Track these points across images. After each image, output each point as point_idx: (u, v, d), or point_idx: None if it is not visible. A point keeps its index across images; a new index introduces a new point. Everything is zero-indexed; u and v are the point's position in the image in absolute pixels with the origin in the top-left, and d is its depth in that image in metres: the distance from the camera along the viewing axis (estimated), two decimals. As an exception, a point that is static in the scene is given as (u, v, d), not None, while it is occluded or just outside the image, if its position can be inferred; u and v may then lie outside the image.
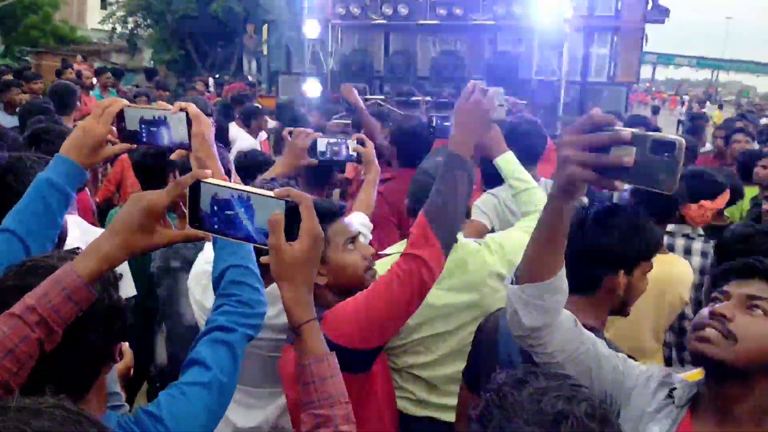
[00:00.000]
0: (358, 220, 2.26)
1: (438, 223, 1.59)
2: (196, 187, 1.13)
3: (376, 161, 2.90)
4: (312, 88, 7.62)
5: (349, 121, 5.81)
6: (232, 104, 6.76)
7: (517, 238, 2.10)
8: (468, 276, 2.03)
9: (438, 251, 1.58)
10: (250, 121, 6.07)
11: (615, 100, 7.26)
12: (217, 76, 20.45)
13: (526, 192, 2.29)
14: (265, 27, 9.99)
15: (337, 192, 4.04)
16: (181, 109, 1.48)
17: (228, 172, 2.77)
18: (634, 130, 1.00)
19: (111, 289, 1.17)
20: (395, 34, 8.35)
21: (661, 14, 7.79)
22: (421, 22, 7.95)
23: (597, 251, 1.53)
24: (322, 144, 2.60)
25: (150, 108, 1.54)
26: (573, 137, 1.05)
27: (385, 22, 8.02)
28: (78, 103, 5.29)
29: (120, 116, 1.52)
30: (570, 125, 1.07)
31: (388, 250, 2.18)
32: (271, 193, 1.08)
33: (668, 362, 2.82)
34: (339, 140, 2.63)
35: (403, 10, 7.76)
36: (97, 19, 26.83)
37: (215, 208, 1.12)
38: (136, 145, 1.57)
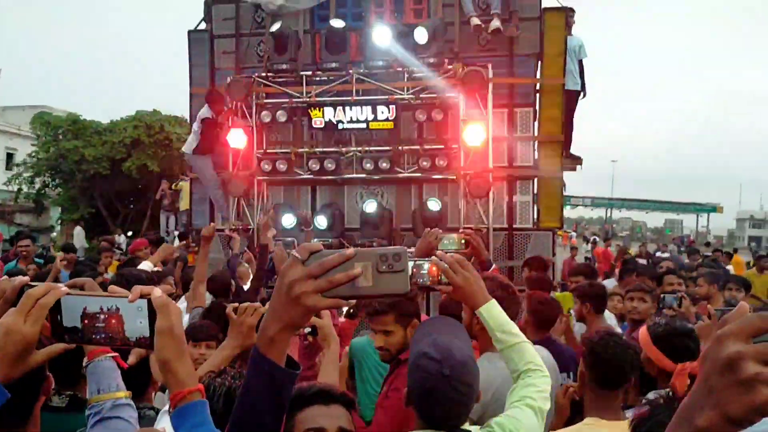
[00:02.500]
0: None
1: None
2: None
3: (335, 333, 2.66)
4: (238, 246, 7.39)
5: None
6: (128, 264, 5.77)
7: (527, 420, 1.86)
8: None
9: None
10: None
11: (542, 246, 7.46)
12: (130, 234, 19.84)
13: (516, 347, 2.04)
14: (186, 184, 9.84)
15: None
16: (142, 296, 1.16)
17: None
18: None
19: None
20: (322, 188, 8.38)
21: (574, 162, 8.31)
22: (348, 176, 8.04)
23: None
24: None
25: (98, 295, 1.20)
26: (754, 349, 0.70)
27: (312, 177, 8.06)
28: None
29: (55, 307, 1.16)
30: (731, 323, 0.72)
31: None
32: None
33: None
34: None
35: (330, 166, 7.84)
36: (1, 180, 25.96)
37: None
38: (74, 345, 1.21)
